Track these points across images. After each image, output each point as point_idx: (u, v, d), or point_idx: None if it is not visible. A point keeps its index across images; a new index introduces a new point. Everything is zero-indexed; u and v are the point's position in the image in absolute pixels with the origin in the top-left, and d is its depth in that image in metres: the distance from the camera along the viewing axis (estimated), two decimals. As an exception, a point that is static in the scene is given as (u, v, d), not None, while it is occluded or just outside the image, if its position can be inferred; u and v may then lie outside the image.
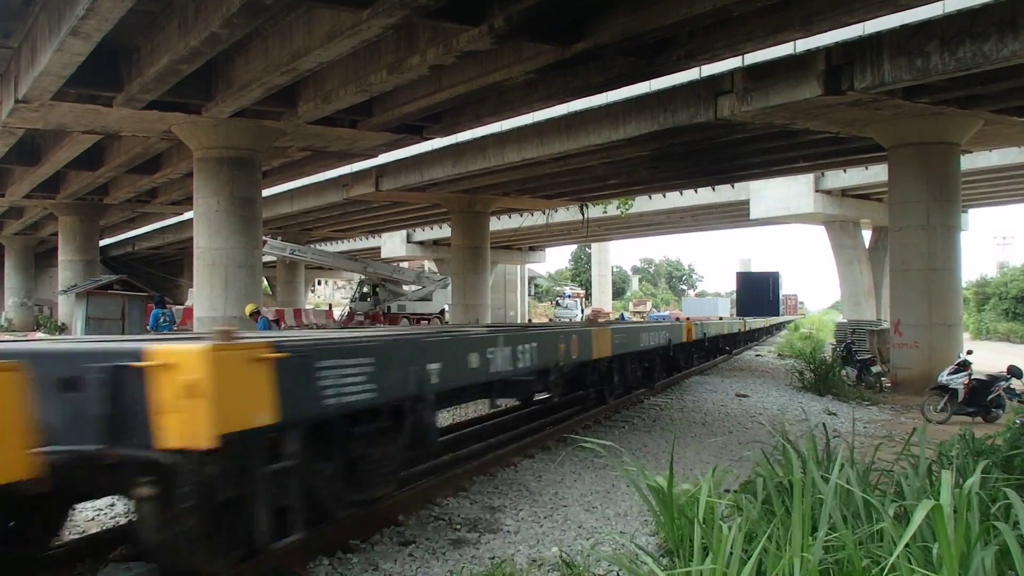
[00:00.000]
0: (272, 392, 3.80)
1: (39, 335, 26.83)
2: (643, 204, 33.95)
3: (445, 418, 10.12)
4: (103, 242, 37.89)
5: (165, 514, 3.59)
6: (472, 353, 6.38)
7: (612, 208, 34.34)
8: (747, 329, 28.89)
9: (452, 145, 21.75)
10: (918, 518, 2.78)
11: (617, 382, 11.67)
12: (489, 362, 6.63)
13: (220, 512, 3.70)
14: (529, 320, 51.37)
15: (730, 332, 24.45)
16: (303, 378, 4.08)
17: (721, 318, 36.07)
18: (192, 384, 3.37)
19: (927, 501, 2.89)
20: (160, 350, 3.47)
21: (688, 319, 19.90)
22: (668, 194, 32.08)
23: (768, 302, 47.04)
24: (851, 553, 3.26)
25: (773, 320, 43.37)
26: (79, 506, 5.72)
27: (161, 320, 15.59)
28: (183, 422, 3.38)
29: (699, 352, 18.98)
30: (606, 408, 11.22)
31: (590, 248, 76.77)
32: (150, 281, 39.05)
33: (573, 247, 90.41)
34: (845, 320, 29.93)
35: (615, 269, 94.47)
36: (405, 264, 49.65)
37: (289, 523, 4.05)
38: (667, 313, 60.75)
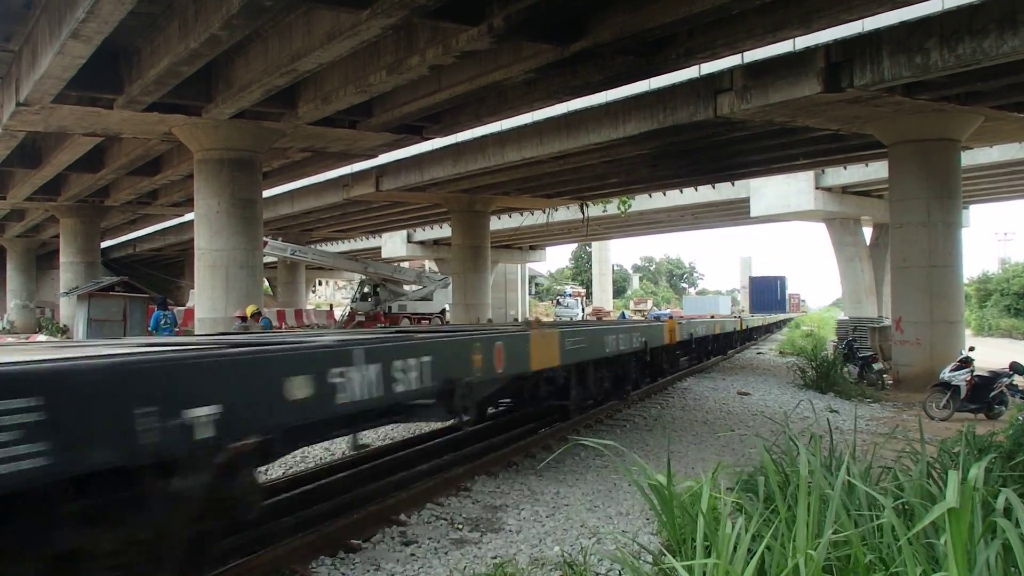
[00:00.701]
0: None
1: (41, 337, 26.87)
2: (643, 202, 33.91)
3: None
4: (104, 244, 37.88)
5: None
6: (699, 326, 17.26)
7: (612, 207, 34.32)
8: (766, 323, 41.46)
9: (452, 145, 21.75)
10: (931, 518, 2.78)
11: (713, 349, 21.27)
12: (693, 332, 16.11)
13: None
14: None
15: (756, 325, 37.01)
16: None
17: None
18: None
19: (942, 503, 2.89)
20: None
21: (739, 317, 31.12)
22: (668, 192, 32.05)
23: (777, 301, 55.56)
24: (856, 550, 3.26)
25: (781, 316, 52.37)
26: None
27: (162, 322, 15.56)
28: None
29: (741, 336, 29.06)
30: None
31: (590, 247, 76.72)
32: (151, 283, 39.06)
33: (573, 246, 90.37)
34: (846, 317, 29.91)
35: (616, 268, 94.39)
36: (406, 264, 49.65)
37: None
38: (668, 311, 60.69)
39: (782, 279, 60.70)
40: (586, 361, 9.10)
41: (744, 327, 29.44)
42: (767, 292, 56.22)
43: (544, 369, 7.82)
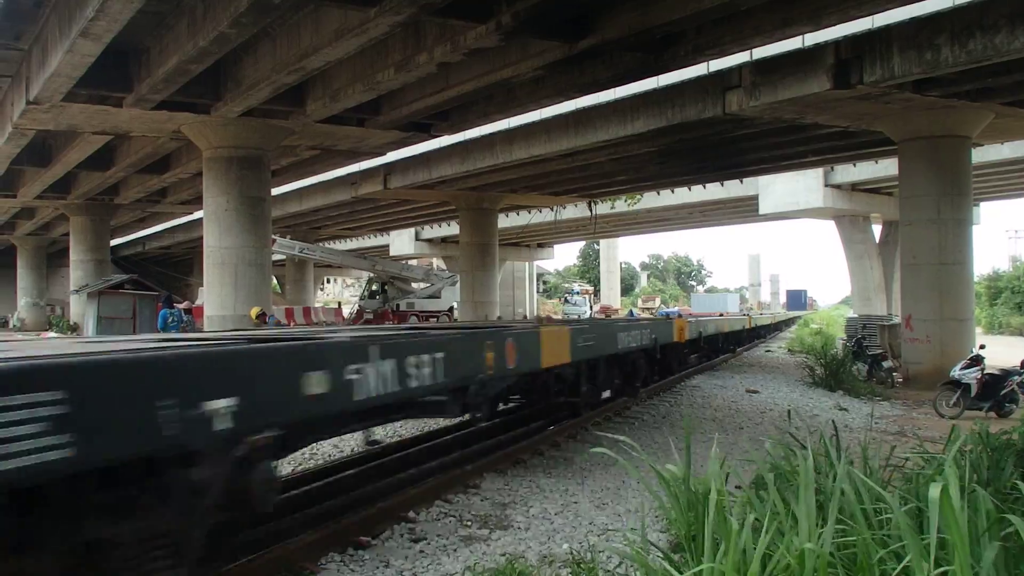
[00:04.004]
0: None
1: (51, 335, 27.04)
2: (651, 200, 33.84)
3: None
4: (114, 242, 38.05)
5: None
6: (757, 319, 33.44)
7: (620, 204, 34.26)
8: (791, 318, 56.22)
9: (460, 142, 21.76)
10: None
11: (763, 333, 32.67)
12: (757, 322, 31.74)
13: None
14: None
15: (786, 319, 52.84)
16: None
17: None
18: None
19: (936, 483, 2.89)
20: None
21: (773, 314, 50.54)
22: (676, 190, 31.98)
23: (801, 304, 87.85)
24: (863, 547, 3.24)
25: (801, 312, 73.09)
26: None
27: (170, 320, 15.59)
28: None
29: (776, 326, 42.37)
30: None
31: (598, 244, 76.65)
32: (160, 280, 39.25)
33: (581, 244, 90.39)
34: (856, 315, 29.79)
35: (623, 265, 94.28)
36: (414, 262, 49.69)
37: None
38: (676, 309, 60.62)
39: (804, 291, 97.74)
40: (718, 333, 19.15)
41: (778, 320, 47.20)
42: (796, 299, 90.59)
43: (729, 331, 19.30)
